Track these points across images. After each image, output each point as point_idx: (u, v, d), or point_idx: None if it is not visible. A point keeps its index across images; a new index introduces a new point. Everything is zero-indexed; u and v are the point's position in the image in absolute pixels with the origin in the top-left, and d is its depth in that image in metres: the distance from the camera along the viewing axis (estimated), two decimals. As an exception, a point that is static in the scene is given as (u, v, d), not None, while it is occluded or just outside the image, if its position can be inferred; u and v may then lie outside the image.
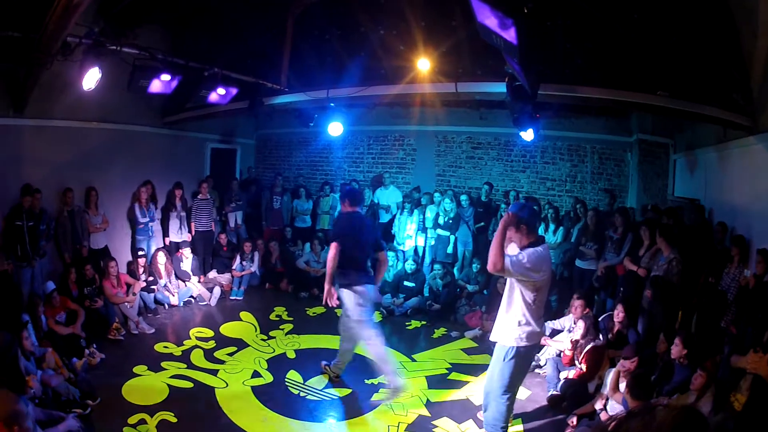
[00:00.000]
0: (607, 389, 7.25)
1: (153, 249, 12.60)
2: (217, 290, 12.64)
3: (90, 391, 7.55)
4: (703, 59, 7.85)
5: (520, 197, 13.75)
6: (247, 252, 13.51)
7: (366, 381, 8.59)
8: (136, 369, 8.71)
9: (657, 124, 12.46)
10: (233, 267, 13.11)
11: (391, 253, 13.05)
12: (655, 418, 1.21)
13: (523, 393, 8.24)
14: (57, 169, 11.15)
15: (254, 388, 8.33)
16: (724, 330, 7.37)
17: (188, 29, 11.53)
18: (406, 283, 12.58)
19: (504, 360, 6.18)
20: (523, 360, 6.27)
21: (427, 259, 13.73)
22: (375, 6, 10.44)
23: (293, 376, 8.77)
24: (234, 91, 10.70)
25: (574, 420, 7.19)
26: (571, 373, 8.14)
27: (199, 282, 12.69)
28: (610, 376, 7.35)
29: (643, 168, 12.95)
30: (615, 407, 6.85)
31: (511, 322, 6.08)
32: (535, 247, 5.89)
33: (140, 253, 11.85)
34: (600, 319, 8.99)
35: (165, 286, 12.02)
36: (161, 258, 12.11)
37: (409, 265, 12.71)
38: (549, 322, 9.32)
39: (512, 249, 6.04)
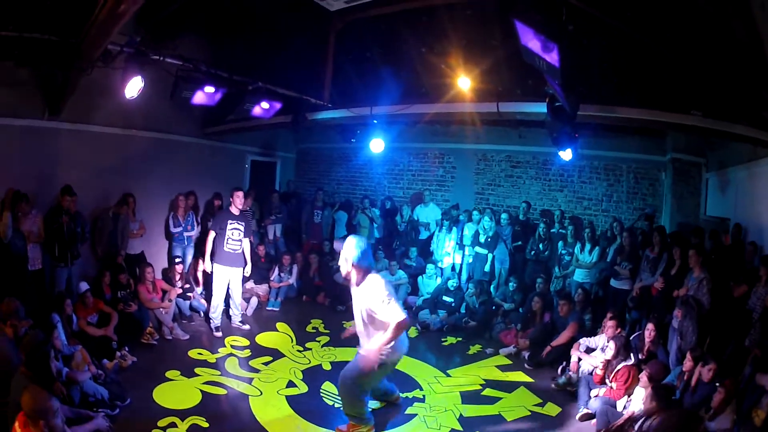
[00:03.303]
0: (635, 406, 7.28)
1: (190, 257, 12.74)
2: (254, 300, 12.69)
3: (119, 392, 7.65)
4: (732, 78, 7.85)
5: (565, 216, 13.83)
6: (285, 264, 13.58)
7: (401, 394, 8.57)
8: (169, 373, 8.79)
9: (690, 143, 12.40)
10: (271, 278, 13.19)
11: (430, 266, 13.22)
12: (654, 423, 1.31)
13: (554, 410, 8.43)
14: (94, 173, 11.34)
15: (289, 398, 8.37)
16: (747, 349, 7.40)
17: (229, 42, 11.67)
18: (445, 298, 12.63)
19: (367, 368, 6.81)
20: (383, 369, 6.97)
21: (464, 276, 13.75)
22: (416, 24, 10.52)
23: (328, 387, 8.79)
24: (278, 105, 10.85)
25: (603, 436, 7.22)
26: (602, 391, 8.16)
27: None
28: (638, 394, 7.40)
29: (677, 187, 12.89)
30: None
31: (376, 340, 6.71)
32: (368, 277, 6.75)
33: (177, 260, 11.91)
34: (631, 339, 9.00)
35: (201, 293, 12.06)
36: (200, 266, 12.12)
37: (452, 283, 12.78)
38: (583, 339, 9.37)
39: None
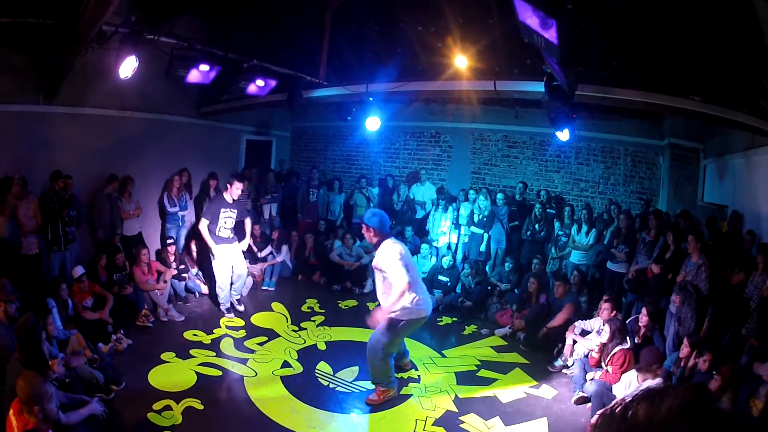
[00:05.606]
0: (630, 390, 7.25)
1: (183, 238, 12.77)
2: (249, 280, 12.53)
3: (115, 376, 7.62)
4: (732, 65, 7.80)
5: (551, 196, 13.82)
6: (274, 240, 13.60)
7: (396, 375, 8.50)
8: (164, 356, 8.77)
9: (689, 128, 12.36)
10: (263, 255, 13.14)
11: (425, 246, 13.18)
12: (664, 400, 1.24)
13: (549, 392, 8.43)
14: (90, 156, 11.32)
15: (284, 378, 8.37)
16: (744, 337, 7.40)
17: (225, 21, 11.58)
18: (440, 277, 12.56)
19: (388, 328, 7.50)
20: (405, 328, 7.63)
21: (459, 256, 13.72)
22: (413, 2, 10.45)
23: (323, 367, 8.81)
24: (273, 83, 10.74)
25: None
26: (598, 375, 8.14)
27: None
28: (631, 378, 7.40)
29: (674, 172, 12.86)
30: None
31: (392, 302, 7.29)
32: (384, 242, 7.46)
33: (169, 241, 11.82)
34: (627, 322, 8.98)
35: (197, 274, 12.02)
36: (194, 247, 12.13)
37: (447, 261, 12.68)
38: (579, 321, 9.34)
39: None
